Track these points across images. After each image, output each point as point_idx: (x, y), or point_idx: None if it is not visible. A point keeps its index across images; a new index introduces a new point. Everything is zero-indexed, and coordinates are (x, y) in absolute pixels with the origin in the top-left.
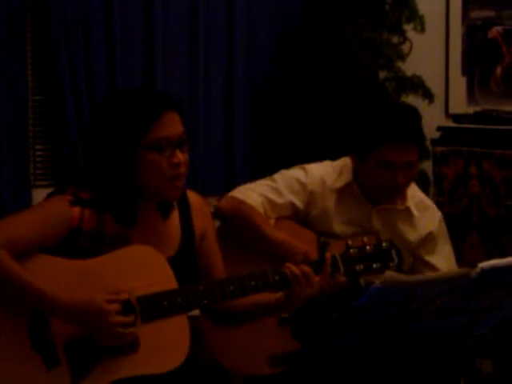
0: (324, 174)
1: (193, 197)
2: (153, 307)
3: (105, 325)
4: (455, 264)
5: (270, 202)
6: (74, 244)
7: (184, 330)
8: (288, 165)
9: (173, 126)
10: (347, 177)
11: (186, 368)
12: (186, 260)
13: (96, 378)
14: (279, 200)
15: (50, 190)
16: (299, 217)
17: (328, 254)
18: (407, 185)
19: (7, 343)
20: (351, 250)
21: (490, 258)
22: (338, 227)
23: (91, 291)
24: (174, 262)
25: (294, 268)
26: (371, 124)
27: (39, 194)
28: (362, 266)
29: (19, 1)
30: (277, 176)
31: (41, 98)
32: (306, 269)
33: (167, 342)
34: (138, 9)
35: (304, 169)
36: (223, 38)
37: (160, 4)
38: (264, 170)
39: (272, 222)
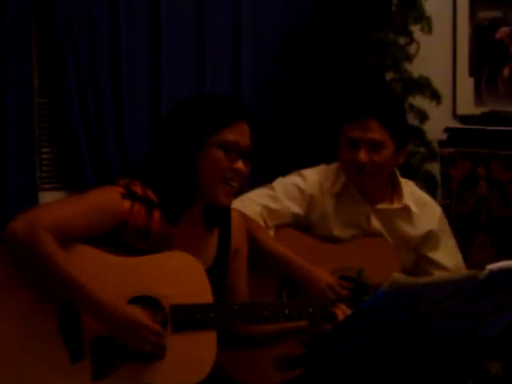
0: (321, 178)
1: (235, 213)
2: (185, 318)
3: (137, 335)
4: (460, 258)
5: (269, 210)
6: (119, 238)
7: (211, 347)
8: (295, 165)
9: (243, 135)
10: (343, 178)
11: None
12: (219, 273)
13: (116, 380)
14: (278, 208)
15: (56, 193)
16: (299, 223)
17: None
18: (373, 168)
19: (35, 329)
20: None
21: (498, 259)
22: (338, 230)
23: (127, 290)
24: (208, 273)
25: (346, 312)
26: (339, 105)
27: (46, 197)
28: None
29: (24, 4)
30: (275, 184)
31: (47, 101)
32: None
33: (193, 356)
34: (143, 13)
35: (301, 175)
36: (229, 39)
37: (166, 4)
38: (271, 170)
39: (271, 231)
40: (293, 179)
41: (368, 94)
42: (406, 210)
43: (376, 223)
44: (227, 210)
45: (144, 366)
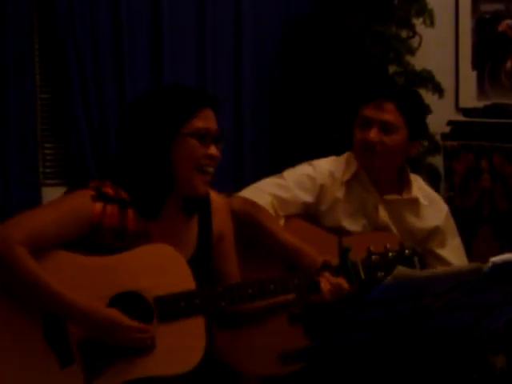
0: (332, 167)
1: (215, 197)
2: (170, 308)
3: (121, 336)
4: (465, 257)
5: (280, 200)
6: (94, 240)
7: (200, 333)
8: (297, 160)
9: (211, 121)
10: (353, 167)
11: (200, 368)
12: (203, 260)
13: (109, 378)
14: (289, 197)
15: (59, 189)
16: (309, 213)
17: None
18: (382, 150)
19: (21, 339)
20: (373, 257)
21: (501, 252)
22: (346, 220)
23: (109, 289)
24: (191, 262)
25: (330, 280)
26: (356, 91)
27: (49, 193)
28: (383, 274)
29: (26, 1)
30: (285, 173)
31: (49, 97)
32: (341, 281)
33: (182, 344)
34: (145, 8)
35: (311, 164)
36: (231, 34)
37: (167, 2)
38: (273, 166)
39: (282, 221)
40: (303, 169)
41: (388, 80)
42: (415, 201)
43: (383, 213)
44: (206, 197)
45: (135, 360)
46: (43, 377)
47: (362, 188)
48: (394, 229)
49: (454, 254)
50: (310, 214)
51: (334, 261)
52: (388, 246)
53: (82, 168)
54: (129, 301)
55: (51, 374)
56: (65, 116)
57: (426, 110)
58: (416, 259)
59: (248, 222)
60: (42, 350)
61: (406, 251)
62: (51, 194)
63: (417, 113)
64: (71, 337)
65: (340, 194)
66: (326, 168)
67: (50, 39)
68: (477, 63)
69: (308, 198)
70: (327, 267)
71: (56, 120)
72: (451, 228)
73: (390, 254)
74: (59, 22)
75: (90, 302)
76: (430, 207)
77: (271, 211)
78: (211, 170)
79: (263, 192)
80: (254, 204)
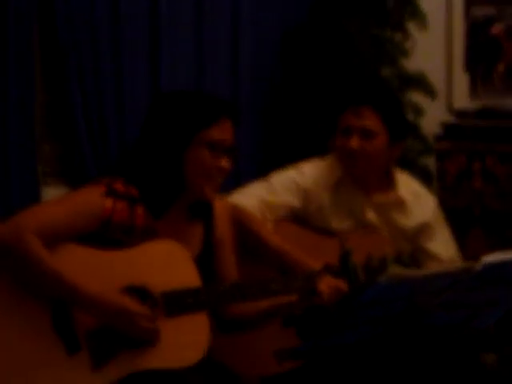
0: (317, 171)
1: (218, 203)
2: (177, 303)
3: (130, 322)
4: (455, 248)
5: (267, 203)
6: (104, 234)
7: (204, 328)
8: (295, 161)
9: (228, 133)
10: (338, 170)
11: (202, 366)
12: (205, 264)
13: (115, 367)
14: (276, 200)
15: (58, 188)
16: (297, 215)
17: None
18: (364, 156)
19: (29, 326)
20: (373, 262)
21: (492, 251)
22: (335, 222)
23: (117, 283)
24: (196, 264)
25: (329, 282)
26: (335, 96)
27: (48, 192)
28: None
29: (26, 2)
30: (271, 177)
31: (48, 97)
32: (340, 283)
33: (187, 339)
34: (144, 10)
35: (297, 168)
36: (229, 37)
37: (166, 5)
38: (271, 166)
39: (270, 225)
40: (289, 173)
41: (363, 83)
42: (401, 202)
43: (372, 215)
44: (211, 202)
45: (141, 352)
46: (50, 363)
47: (348, 191)
48: (383, 229)
49: (442, 246)
50: (298, 217)
51: (334, 263)
52: (387, 250)
53: (81, 167)
54: (136, 295)
55: (58, 360)
56: (64, 116)
57: (402, 107)
58: (414, 266)
59: (239, 228)
60: (50, 337)
61: (404, 257)
62: (50, 193)
63: (395, 114)
64: (79, 325)
65: (326, 197)
66: (311, 172)
67: (49, 39)
68: (469, 66)
69: (294, 201)
70: (329, 270)
71: (55, 119)
72: (440, 221)
73: (389, 259)
74: (59, 21)
75: (101, 290)
76: (417, 203)
77: (259, 215)
78: (220, 180)
79: (250, 196)
80: (242, 210)
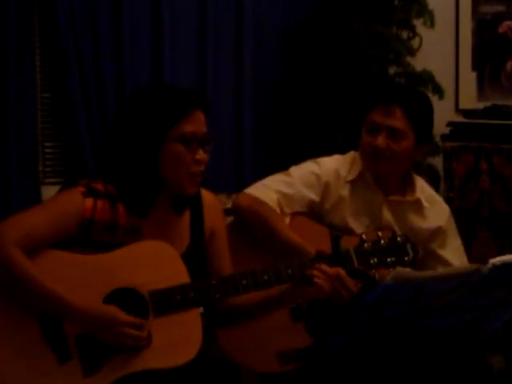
0: (337, 165)
1: (206, 195)
2: (165, 301)
3: (117, 332)
4: (465, 258)
5: (286, 197)
6: (87, 236)
7: (196, 325)
8: (297, 160)
9: (200, 124)
10: (359, 167)
11: (197, 365)
12: (195, 257)
13: (108, 372)
14: (295, 195)
15: (59, 188)
16: (314, 211)
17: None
18: (390, 156)
19: (19, 337)
20: (365, 244)
21: (500, 253)
22: (351, 219)
23: (104, 286)
24: (184, 258)
25: (326, 271)
26: (364, 95)
27: (48, 192)
28: (375, 260)
29: (27, 2)
30: (291, 170)
31: (49, 96)
32: (339, 270)
33: (179, 337)
34: (146, 8)
35: (317, 162)
36: (232, 34)
37: (168, 3)
38: (273, 165)
39: (287, 219)
40: (309, 166)
41: (397, 84)
42: (418, 203)
43: (387, 214)
44: (197, 193)
45: (133, 355)
46: (41, 372)
47: (366, 188)
48: (397, 229)
49: (454, 254)
50: (314, 212)
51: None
52: (380, 233)
53: (82, 167)
54: (124, 297)
55: (50, 369)
56: (65, 115)
57: (433, 112)
58: (409, 246)
59: (253, 216)
60: (41, 347)
61: (398, 238)
62: (51, 192)
63: (424, 117)
64: (68, 333)
65: (345, 192)
66: (331, 166)
67: (50, 38)
68: (477, 64)
69: (313, 195)
70: (321, 257)
71: (56, 119)
72: (453, 229)
73: (382, 241)
74: (60, 21)
75: (86, 300)
76: (432, 208)
77: (276, 208)
78: (200, 172)
79: (269, 189)
80: (260, 201)
